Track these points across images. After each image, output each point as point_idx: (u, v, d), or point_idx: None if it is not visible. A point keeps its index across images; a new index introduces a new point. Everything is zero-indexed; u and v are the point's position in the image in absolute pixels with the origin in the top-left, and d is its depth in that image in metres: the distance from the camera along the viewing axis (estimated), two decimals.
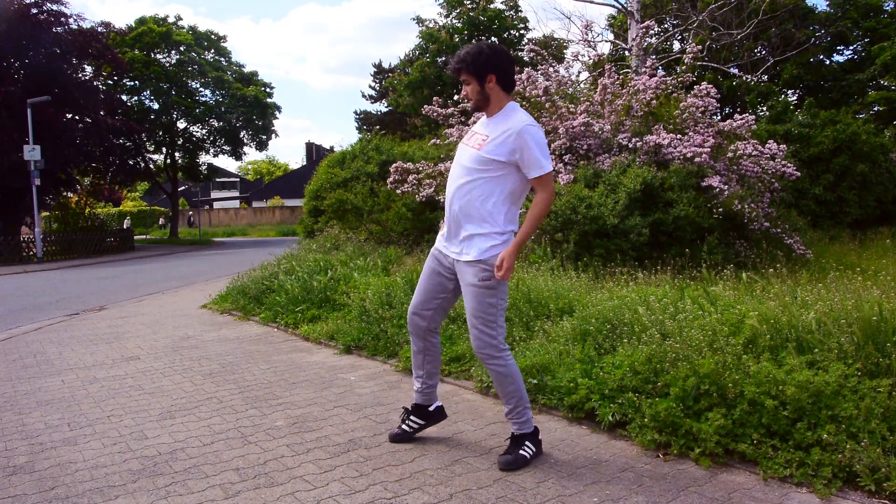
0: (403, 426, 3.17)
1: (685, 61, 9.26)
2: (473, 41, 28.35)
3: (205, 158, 36.57)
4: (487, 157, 2.76)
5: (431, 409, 3.18)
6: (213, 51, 35.38)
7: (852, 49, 23.48)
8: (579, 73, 16.42)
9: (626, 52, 13.71)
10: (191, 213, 46.36)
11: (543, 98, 8.03)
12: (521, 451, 2.85)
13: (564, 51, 20.12)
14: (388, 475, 2.77)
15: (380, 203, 11.09)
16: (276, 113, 36.69)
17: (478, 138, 2.85)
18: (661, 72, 11.75)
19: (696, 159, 7.08)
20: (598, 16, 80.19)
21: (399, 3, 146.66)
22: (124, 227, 41.39)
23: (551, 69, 8.93)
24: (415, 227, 10.35)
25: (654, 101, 8.05)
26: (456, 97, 11.95)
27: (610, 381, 3.28)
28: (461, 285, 2.89)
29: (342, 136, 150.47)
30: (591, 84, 10.80)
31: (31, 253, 19.84)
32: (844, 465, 2.51)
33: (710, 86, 8.02)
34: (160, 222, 43.73)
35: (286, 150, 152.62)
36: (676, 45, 20.13)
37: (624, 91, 8.28)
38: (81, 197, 25.59)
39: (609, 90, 8.17)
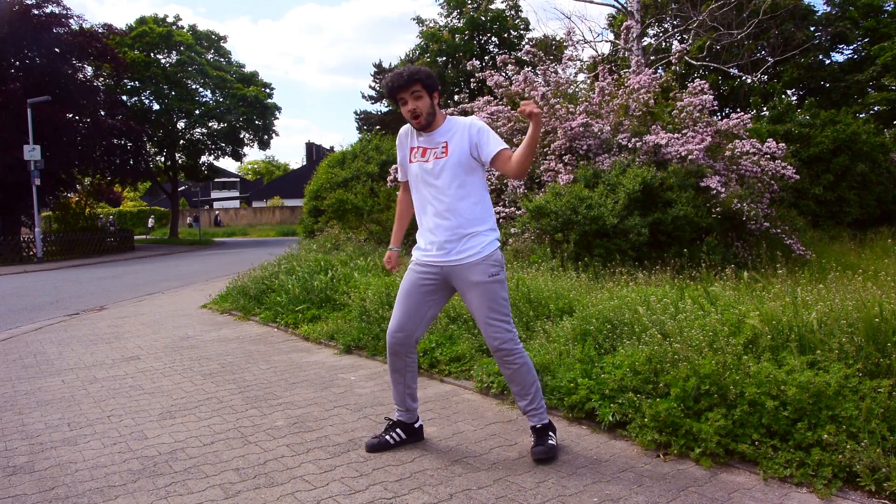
0: (387, 437, 3.07)
1: (672, 60, 9.30)
2: (475, 42, 28.17)
3: (205, 159, 36.57)
4: (458, 160, 2.84)
5: (416, 425, 3.15)
6: (213, 51, 35.36)
7: (852, 49, 23.50)
8: (577, 73, 16.44)
9: (626, 53, 13.71)
10: (217, 212, 48.85)
11: (541, 103, 8.05)
12: (550, 441, 2.91)
13: (565, 51, 20.14)
14: (388, 475, 2.77)
15: (380, 203, 11.09)
16: (277, 113, 36.68)
17: (436, 150, 2.88)
18: (660, 72, 11.74)
19: (690, 157, 7.09)
20: (598, 16, 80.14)
21: (397, 3, 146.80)
22: (148, 224, 42.31)
23: (550, 71, 8.95)
24: (415, 227, 10.33)
25: (652, 101, 8.05)
26: (456, 97, 11.97)
27: (610, 381, 3.27)
28: (463, 288, 2.87)
29: (342, 136, 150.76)
30: (590, 84, 10.82)
31: (31, 253, 19.84)
32: (844, 466, 2.51)
33: (705, 82, 8.04)
34: (149, 224, 44.25)
35: (286, 150, 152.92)
36: (677, 45, 20.12)
37: (620, 91, 8.29)
38: (81, 197, 25.59)
39: (606, 91, 8.18)
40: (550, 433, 2.94)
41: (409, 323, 2.95)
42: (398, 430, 3.10)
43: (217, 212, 48.96)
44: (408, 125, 3.01)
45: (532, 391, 2.91)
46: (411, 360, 3.05)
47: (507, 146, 2.85)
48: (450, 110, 10.02)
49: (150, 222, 44.21)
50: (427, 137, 2.91)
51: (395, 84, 2.83)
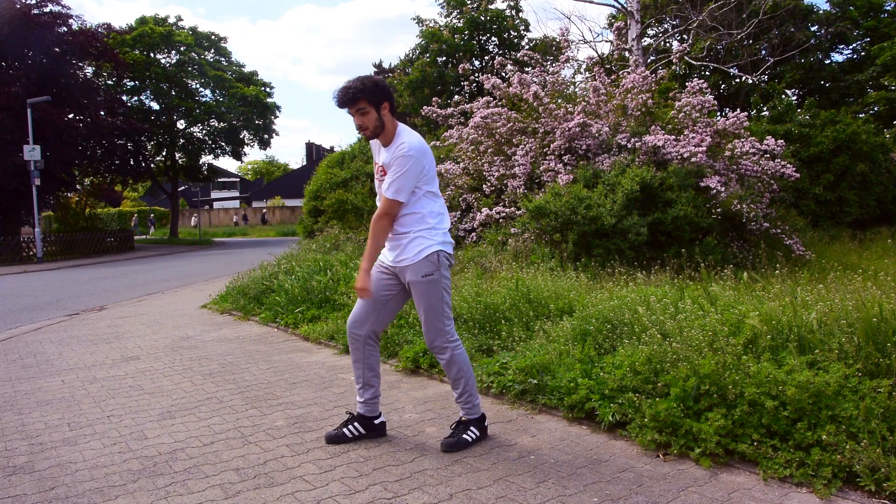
0: (344, 430, 3.16)
1: (674, 60, 9.30)
2: (475, 42, 28.12)
3: (205, 159, 36.57)
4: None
5: (377, 422, 3.22)
6: (212, 51, 35.36)
7: (852, 49, 23.51)
8: (575, 73, 16.45)
9: (626, 53, 13.72)
10: (265, 210, 49.99)
11: (535, 103, 8.05)
12: (465, 435, 3.03)
13: (563, 52, 20.13)
14: (388, 475, 2.77)
15: None
16: (277, 112, 36.69)
17: (381, 172, 2.99)
18: (660, 72, 11.76)
19: (693, 159, 7.09)
20: (598, 16, 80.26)
21: (395, 4, 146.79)
22: (192, 224, 42.69)
23: (547, 75, 8.96)
24: None
25: (650, 101, 8.05)
26: (457, 97, 11.97)
27: (610, 381, 3.27)
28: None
29: (342, 136, 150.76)
30: (589, 84, 10.82)
31: (31, 253, 19.84)
32: (844, 466, 2.51)
33: (703, 82, 8.03)
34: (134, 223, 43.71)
35: (286, 150, 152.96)
36: (677, 46, 20.13)
37: (617, 91, 8.30)
38: (81, 197, 25.59)
39: (602, 91, 8.18)
40: (472, 429, 3.06)
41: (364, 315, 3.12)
42: (356, 423, 3.17)
43: (265, 210, 50.29)
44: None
45: (462, 384, 3.04)
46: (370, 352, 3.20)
47: (396, 198, 2.87)
48: (449, 110, 10.05)
49: (194, 220, 44.51)
50: (381, 152, 2.99)
51: (339, 102, 2.88)
